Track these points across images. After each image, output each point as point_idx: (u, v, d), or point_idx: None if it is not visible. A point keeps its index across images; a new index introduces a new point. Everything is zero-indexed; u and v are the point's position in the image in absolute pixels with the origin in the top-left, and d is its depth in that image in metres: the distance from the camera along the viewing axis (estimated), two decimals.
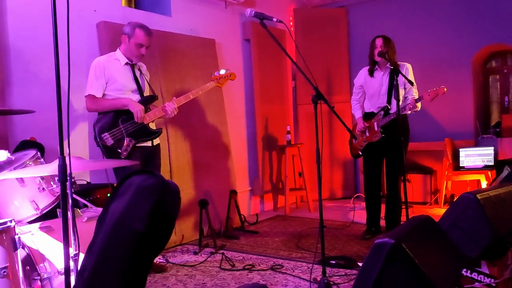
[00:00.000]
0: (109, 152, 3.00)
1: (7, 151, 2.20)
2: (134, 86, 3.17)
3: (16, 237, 1.65)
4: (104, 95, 3.11)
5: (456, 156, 5.14)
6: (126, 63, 3.15)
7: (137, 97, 3.16)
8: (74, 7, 3.51)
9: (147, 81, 3.30)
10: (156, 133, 3.21)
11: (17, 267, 1.65)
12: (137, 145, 3.08)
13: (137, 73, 3.22)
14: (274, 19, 2.54)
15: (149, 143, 3.19)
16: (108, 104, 3.07)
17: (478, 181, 4.94)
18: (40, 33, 3.28)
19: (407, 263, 1.73)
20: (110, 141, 2.98)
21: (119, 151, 2.98)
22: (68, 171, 1.96)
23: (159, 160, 3.34)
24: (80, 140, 3.57)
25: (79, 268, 1.25)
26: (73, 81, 3.39)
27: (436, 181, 5.34)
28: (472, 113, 5.37)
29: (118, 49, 3.18)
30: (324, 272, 2.57)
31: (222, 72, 3.49)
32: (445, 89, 3.54)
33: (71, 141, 3.52)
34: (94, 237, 1.22)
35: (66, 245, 1.43)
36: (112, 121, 3.04)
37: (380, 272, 1.72)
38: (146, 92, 3.26)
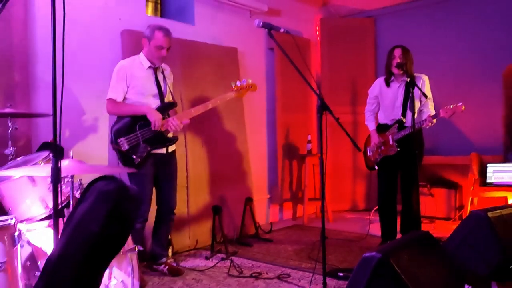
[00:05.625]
0: (123, 157, 3.07)
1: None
2: (155, 91, 3.21)
3: (16, 233, 1.75)
4: (125, 98, 3.17)
5: (483, 172, 4.97)
6: (149, 67, 3.20)
7: (157, 102, 3.20)
8: (101, 15, 3.67)
9: (169, 86, 3.33)
10: (172, 141, 3.25)
11: (16, 263, 1.75)
12: (151, 152, 3.12)
13: (160, 77, 3.25)
14: (281, 30, 2.57)
15: (163, 150, 3.21)
16: (127, 109, 3.14)
17: (506, 198, 4.75)
18: (65, 42, 3.44)
19: (393, 279, 1.71)
20: (125, 146, 3.03)
21: (134, 157, 3.03)
22: (69, 174, 2.06)
23: (175, 166, 3.35)
24: (101, 144, 3.71)
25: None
26: (97, 86, 3.62)
27: (462, 196, 5.18)
28: (501, 128, 5.18)
29: (141, 52, 3.24)
30: (324, 284, 2.56)
31: (243, 82, 3.44)
32: (463, 107, 3.44)
33: (92, 144, 3.72)
34: (60, 237, 1.31)
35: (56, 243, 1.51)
36: (130, 125, 3.08)
37: (366, 287, 1.71)
38: (168, 97, 3.30)
